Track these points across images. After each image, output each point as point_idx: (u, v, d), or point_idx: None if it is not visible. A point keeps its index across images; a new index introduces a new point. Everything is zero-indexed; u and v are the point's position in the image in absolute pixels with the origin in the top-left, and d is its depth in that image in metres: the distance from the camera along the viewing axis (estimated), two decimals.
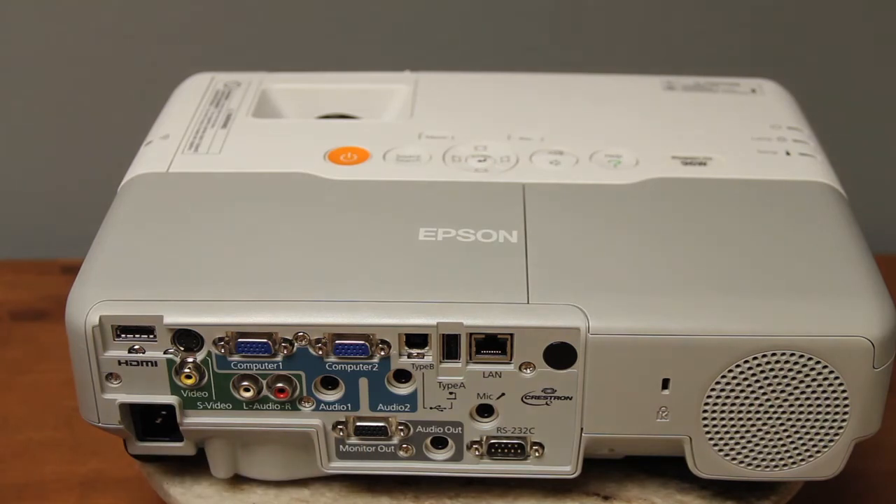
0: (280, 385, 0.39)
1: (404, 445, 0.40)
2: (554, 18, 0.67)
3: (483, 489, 0.42)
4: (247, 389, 0.39)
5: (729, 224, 0.42)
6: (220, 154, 0.46)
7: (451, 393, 0.39)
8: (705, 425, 0.39)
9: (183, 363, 0.39)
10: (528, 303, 0.38)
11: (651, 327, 0.38)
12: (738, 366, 0.38)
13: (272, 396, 0.39)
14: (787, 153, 0.47)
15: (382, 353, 0.38)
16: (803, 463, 0.40)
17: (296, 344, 0.38)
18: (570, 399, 0.39)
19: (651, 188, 0.44)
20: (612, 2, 0.66)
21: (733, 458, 0.40)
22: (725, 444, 0.40)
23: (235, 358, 0.39)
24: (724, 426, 0.39)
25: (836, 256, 0.41)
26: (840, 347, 0.38)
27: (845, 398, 0.39)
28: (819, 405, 0.39)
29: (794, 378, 0.38)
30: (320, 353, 0.39)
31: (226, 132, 0.48)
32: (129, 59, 0.67)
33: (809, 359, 0.38)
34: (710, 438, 0.39)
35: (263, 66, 0.55)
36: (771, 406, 0.39)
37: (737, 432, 0.39)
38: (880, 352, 0.38)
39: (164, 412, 0.41)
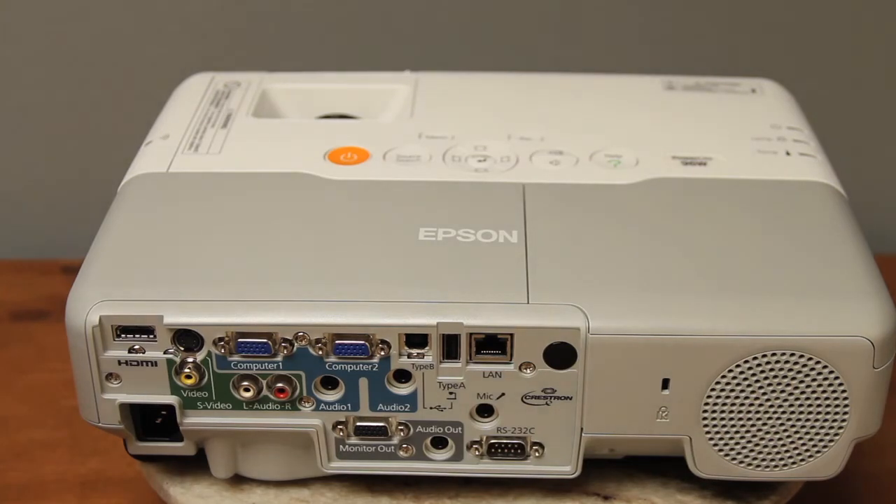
0: (280, 385, 0.39)
1: (404, 445, 0.40)
2: (554, 18, 0.67)
3: (483, 489, 0.42)
4: (247, 389, 0.39)
5: (729, 224, 0.42)
6: (220, 154, 0.46)
7: (451, 393, 0.39)
8: (705, 425, 0.39)
9: (183, 363, 0.39)
10: (528, 303, 0.38)
11: (651, 327, 0.38)
12: (738, 366, 0.38)
13: (272, 396, 0.39)
14: (787, 153, 0.47)
15: (382, 353, 0.38)
16: (803, 463, 0.40)
17: (296, 344, 0.38)
18: (570, 399, 0.39)
19: (651, 188, 0.44)
20: (612, 2, 0.66)
21: (733, 458, 0.40)
22: (725, 444, 0.40)
23: (235, 358, 0.39)
24: (724, 426, 0.39)
25: (836, 256, 0.41)
26: (840, 347, 0.38)
27: (845, 398, 0.39)
28: (819, 405, 0.39)
29: (794, 378, 0.38)
30: (320, 353, 0.39)
31: (226, 132, 0.48)
32: (129, 59, 0.67)
33: (809, 359, 0.38)
34: (710, 438, 0.39)
35: (263, 66, 0.55)
36: (771, 406, 0.39)
37: (737, 432, 0.39)
38: (880, 352, 0.38)
39: (164, 412, 0.41)
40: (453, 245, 0.41)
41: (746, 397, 0.39)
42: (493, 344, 0.38)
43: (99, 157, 0.68)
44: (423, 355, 0.39)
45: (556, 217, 0.42)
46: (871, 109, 0.70)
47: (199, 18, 0.66)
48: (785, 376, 0.38)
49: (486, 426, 0.40)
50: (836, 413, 0.39)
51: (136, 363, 0.39)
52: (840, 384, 0.38)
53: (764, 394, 0.39)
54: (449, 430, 0.40)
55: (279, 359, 0.39)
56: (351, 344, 0.38)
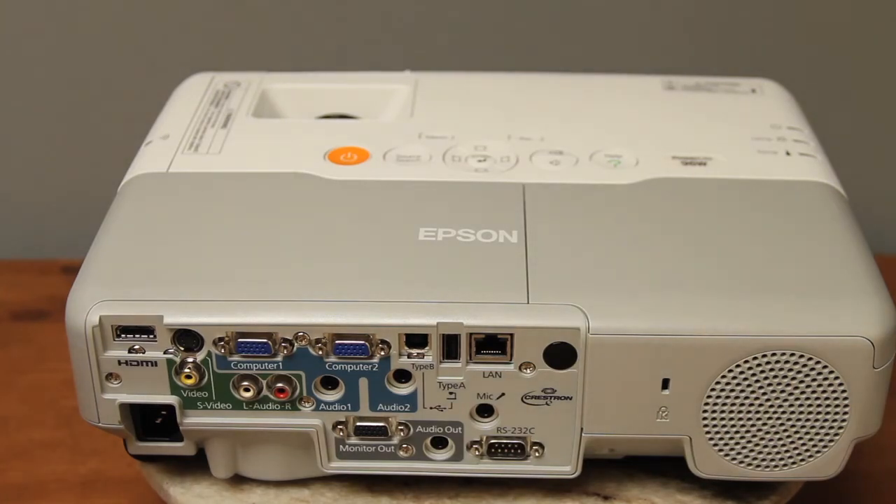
0: (280, 385, 0.39)
1: (404, 445, 0.40)
2: (554, 18, 0.67)
3: (483, 489, 0.42)
4: (247, 389, 0.39)
5: (729, 224, 0.42)
6: (220, 154, 0.46)
7: (451, 393, 0.39)
8: (705, 425, 0.39)
9: (183, 363, 0.39)
10: (528, 303, 0.38)
11: (651, 327, 0.38)
12: (738, 366, 0.38)
13: (272, 396, 0.39)
14: (787, 153, 0.47)
15: (382, 353, 0.38)
16: (803, 463, 0.40)
17: (296, 344, 0.38)
18: (570, 399, 0.39)
19: (651, 188, 0.44)
20: (612, 2, 0.66)
21: (733, 458, 0.40)
22: (725, 444, 0.40)
23: (235, 358, 0.39)
24: (724, 426, 0.39)
25: (836, 256, 0.41)
26: (840, 347, 0.38)
27: (845, 398, 0.39)
28: (819, 405, 0.39)
29: (794, 378, 0.38)
30: (320, 353, 0.39)
31: (226, 132, 0.48)
32: (129, 59, 0.67)
33: (809, 359, 0.38)
34: (710, 438, 0.39)
35: (263, 66, 0.55)
36: (771, 406, 0.39)
37: (737, 432, 0.39)
38: (880, 352, 0.38)
39: (164, 412, 0.41)
40: (453, 245, 0.41)
41: (746, 397, 0.39)
42: (493, 344, 0.38)
43: (99, 157, 0.68)
44: (423, 355, 0.39)
45: (556, 217, 0.42)
46: (871, 109, 0.70)
47: (199, 18, 0.66)
48: (785, 376, 0.38)
49: (486, 426, 0.40)
50: (836, 413, 0.39)
51: (136, 363, 0.39)
52: (840, 384, 0.38)
53: (764, 394, 0.39)
54: (449, 430, 0.40)
55: (279, 359, 0.39)
56: (351, 344, 0.38)
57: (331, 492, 0.42)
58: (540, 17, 0.67)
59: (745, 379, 0.38)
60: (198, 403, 0.40)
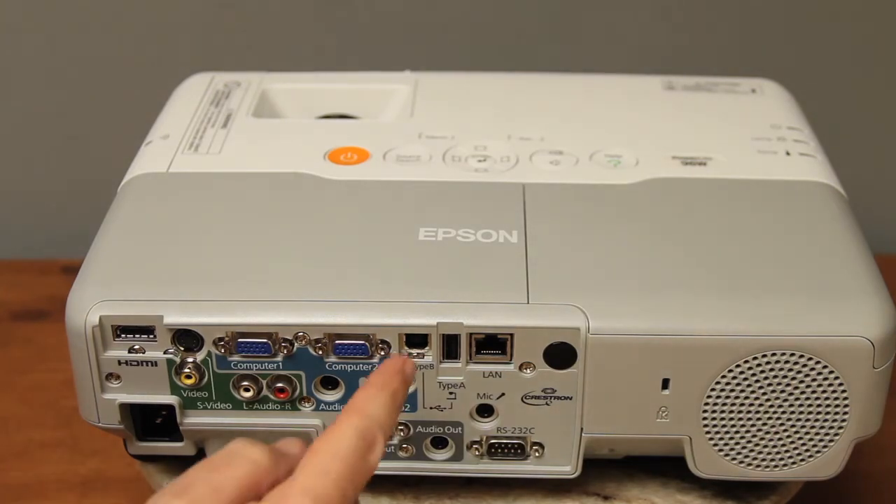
0: (280, 385, 0.39)
1: (404, 445, 0.40)
2: (554, 18, 0.67)
3: (483, 489, 0.42)
4: (247, 389, 0.39)
5: (729, 224, 0.42)
6: (220, 154, 0.46)
7: (451, 393, 0.39)
8: (705, 425, 0.39)
9: (183, 363, 0.39)
10: (528, 303, 0.38)
11: (651, 327, 0.38)
12: (738, 366, 0.38)
13: (272, 396, 0.39)
14: (787, 153, 0.47)
15: (382, 353, 0.38)
16: (803, 463, 0.40)
17: (296, 344, 0.38)
18: (570, 399, 0.39)
19: (651, 188, 0.44)
20: (612, 2, 0.66)
21: (733, 458, 0.40)
22: (725, 444, 0.40)
23: (235, 358, 0.39)
24: (724, 426, 0.39)
25: (836, 256, 0.41)
26: (840, 347, 0.38)
27: (845, 398, 0.39)
28: (819, 405, 0.39)
29: (794, 378, 0.38)
30: (320, 353, 0.39)
31: (226, 132, 0.48)
32: (129, 59, 0.67)
33: (809, 359, 0.38)
34: (710, 438, 0.39)
35: (263, 66, 0.55)
36: (771, 406, 0.39)
37: (737, 432, 0.39)
38: (880, 352, 0.38)
39: (164, 412, 0.41)
40: (453, 245, 0.41)
41: (746, 397, 0.39)
42: (493, 344, 0.38)
43: (99, 157, 0.68)
44: (423, 355, 0.39)
45: (556, 217, 0.42)
46: (871, 109, 0.70)
47: (199, 18, 0.66)
48: (785, 376, 0.38)
49: (486, 426, 0.40)
50: (836, 413, 0.39)
51: (136, 363, 0.39)
52: (840, 384, 0.38)
53: (764, 394, 0.39)
54: (449, 430, 0.40)
55: (279, 359, 0.39)
56: (351, 344, 0.38)
57: None
58: (540, 17, 0.67)
59: (745, 379, 0.38)
60: (198, 403, 0.40)
